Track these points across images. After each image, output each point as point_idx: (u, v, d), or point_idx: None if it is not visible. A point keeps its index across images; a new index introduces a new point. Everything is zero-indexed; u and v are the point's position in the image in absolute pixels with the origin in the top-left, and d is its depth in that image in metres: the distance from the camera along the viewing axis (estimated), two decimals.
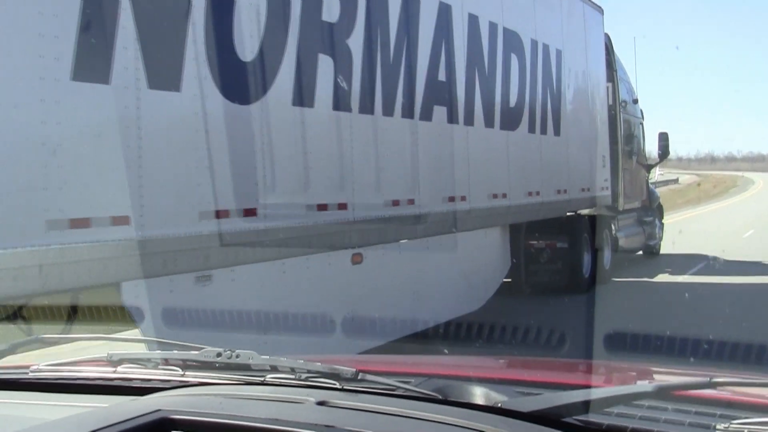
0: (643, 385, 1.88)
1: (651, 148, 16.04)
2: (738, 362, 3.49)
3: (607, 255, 12.68)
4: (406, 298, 7.09)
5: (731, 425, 1.66)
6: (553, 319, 8.69)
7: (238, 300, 5.22)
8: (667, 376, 2.53)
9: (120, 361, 2.16)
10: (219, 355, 2.04)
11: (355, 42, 6.28)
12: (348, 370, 1.90)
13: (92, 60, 4.19)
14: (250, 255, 5.24)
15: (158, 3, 4.56)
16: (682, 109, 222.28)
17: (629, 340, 4.15)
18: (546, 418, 1.69)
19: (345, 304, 6.08)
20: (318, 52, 5.88)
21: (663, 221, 16.58)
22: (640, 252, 15.46)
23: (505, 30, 9.01)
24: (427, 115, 7.43)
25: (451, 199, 7.76)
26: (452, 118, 7.89)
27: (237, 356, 2.03)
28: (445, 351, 5.04)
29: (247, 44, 5.11)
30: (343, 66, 6.12)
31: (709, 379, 1.83)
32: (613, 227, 13.29)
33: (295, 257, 5.65)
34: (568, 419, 1.69)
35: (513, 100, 9.33)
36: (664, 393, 1.85)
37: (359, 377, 1.89)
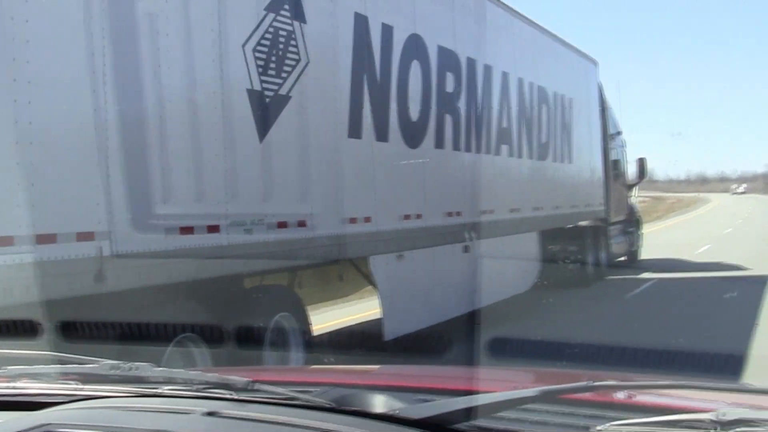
0: (529, 390, 1.90)
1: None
2: (637, 366, 4.35)
3: (604, 257, 16.69)
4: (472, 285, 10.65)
5: (610, 426, 1.73)
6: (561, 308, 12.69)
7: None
8: (553, 380, 2.63)
9: (17, 377, 2.22)
10: (116, 368, 2.12)
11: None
12: (240, 380, 1.97)
13: None
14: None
15: None
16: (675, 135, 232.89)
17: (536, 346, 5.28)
18: (437, 425, 1.75)
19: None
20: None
21: (642, 232, 20.81)
22: (624, 257, 19.53)
23: (538, 87, 12.97)
24: (497, 151, 11.32)
25: (514, 210, 11.69)
26: (512, 153, 11.81)
27: (133, 369, 2.11)
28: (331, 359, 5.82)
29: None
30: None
31: (590, 382, 2.00)
32: (607, 236, 17.33)
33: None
34: (458, 425, 1.76)
35: (543, 138, 13.27)
36: (549, 397, 1.95)
37: (252, 387, 1.95)
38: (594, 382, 2.05)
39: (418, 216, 8.91)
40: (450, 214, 9.74)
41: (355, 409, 1.90)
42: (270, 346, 6.55)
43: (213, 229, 5.89)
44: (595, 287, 15.09)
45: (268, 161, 6.56)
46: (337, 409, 1.88)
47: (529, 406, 1.91)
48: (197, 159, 5.89)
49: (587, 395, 2.03)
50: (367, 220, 7.93)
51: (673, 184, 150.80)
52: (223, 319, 6.03)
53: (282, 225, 6.64)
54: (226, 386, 1.99)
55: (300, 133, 6.97)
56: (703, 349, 6.13)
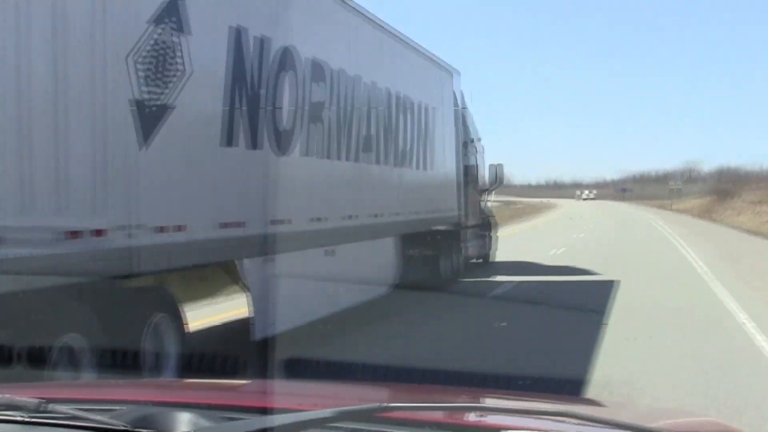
0: (326, 411, 1.95)
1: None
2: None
3: (458, 260, 17.65)
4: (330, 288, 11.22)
5: None
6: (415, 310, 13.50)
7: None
8: (352, 401, 2.60)
9: None
10: None
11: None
12: (31, 401, 1.90)
13: None
14: None
15: None
16: (537, 141, 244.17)
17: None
18: None
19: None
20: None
21: (495, 235, 22.02)
22: (479, 260, 20.63)
23: (400, 96, 13.69)
24: (360, 158, 11.94)
25: (376, 215, 12.35)
26: (374, 161, 12.47)
27: None
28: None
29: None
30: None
31: (382, 404, 2.08)
32: (461, 239, 18.30)
33: None
34: None
35: (403, 145, 14.00)
36: (344, 416, 1.99)
37: (45, 408, 1.88)
38: (386, 403, 2.14)
39: (288, 221, 9.40)
40: (315, 220, 10.29)
41: (154, 431, 1.88)
42: (147, 346, 6.92)
43: (100, 233, 6.22)
44: (449, 290, 15.95)
45: (149, 169, 6.91)
46: (126, 431, 1.85)
47: (327, 425, 1.98)
48: (80, 165, 6.20)
49: (386, 414, 2.09)
50: (239, 225, 8.37)
51: (529, 189, 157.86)
52: (105, 321, 6.36)
53: (162, 229, 7.01)
54: (16, 407, 1.92)
55: (180, 141, 7.35)
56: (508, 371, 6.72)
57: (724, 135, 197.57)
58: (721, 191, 68.40)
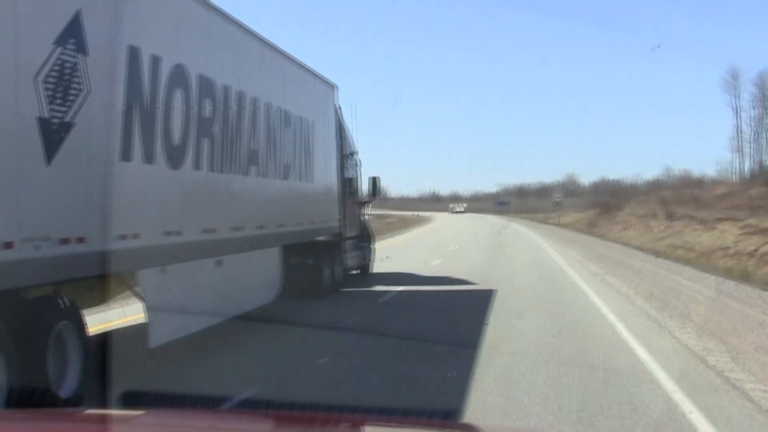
0: None
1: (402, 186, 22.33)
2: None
3: (339, 270, 18.33)
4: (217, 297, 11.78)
5: None
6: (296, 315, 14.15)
7: None
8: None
9: None
10: None
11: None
12: None
13: None
14: None
15: None
16: (417, 154, 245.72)
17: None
18: None
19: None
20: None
21: (374, 246, 22.83)
22: (358, 270, 21.36)
23: (284, 111, 14.30)
24: (247, 171, 12.47)
25: (261, 226, 12.90)
26: (259, 174, 13.02)
27: None
28: None
29: None
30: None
31: None
32: (342, 250, 19.00)
33: None
34: None
35: (287, 159, 14.59)
36: None
37: None
38: None
39: (179, 232, 9.87)
40: (206, 231, 10.78)
41: None
42: (53, 351, 7.30)
43: (8, 246, 6.59)
44: (329, 300, 16.61)
45: (53, 184, 7.30)
46: None
47: None
48: None
49: None
50: (136, 236, 8.80)
51: (408, 202, 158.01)
52: (13, 329, 6.73)
53: (65, 241, 7.40)
54: None
55: (81, 157, 7.75)
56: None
57: (600, 149, 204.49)
58: (605, 204, 66.80)
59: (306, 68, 16.25)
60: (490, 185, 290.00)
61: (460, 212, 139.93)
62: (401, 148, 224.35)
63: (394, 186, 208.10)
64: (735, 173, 72.69)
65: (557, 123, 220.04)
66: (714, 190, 52.69)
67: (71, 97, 7.57)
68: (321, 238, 17.51)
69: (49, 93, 7.22)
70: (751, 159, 72.32)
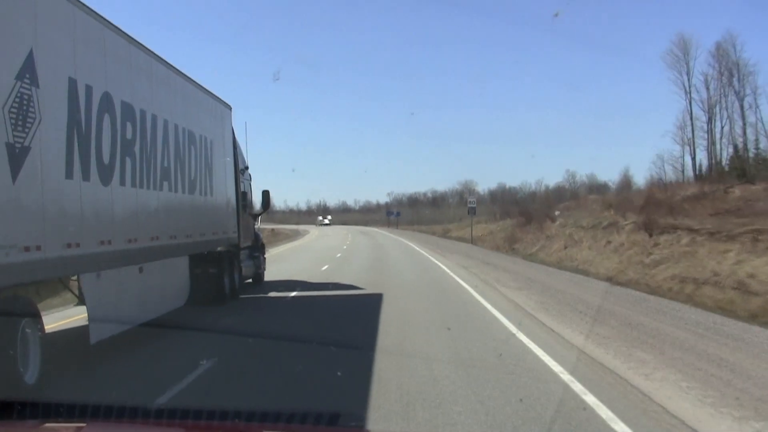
0: None
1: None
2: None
3: (237, 278, 19.73)
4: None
5: None
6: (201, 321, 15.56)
7: None
8: None
9: None
10: None
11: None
12: None
13: None
14: None
15: None
16: (306, 166, 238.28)
17: None
18: None
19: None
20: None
21: (265, 256, 24.30)
22: (251, 279, 22.78)
23: (188, 131, 15.68)
24: (160, 187, 13.81)
25: (173, 237, 14.25)
26: (171, 189, 14.37)
27: None
28: None
29: None
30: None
31: None
32: (240, 260, 20.41)
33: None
34: None
35: (192, 175, 15.97)
36: None
37: None
38: None
39: (110, 242, 11.18)
40: (130, 241, 12.10)
41: None
42: (20, 344, 8.57)
43: None
44: (229, 306, 18.01)
45: (18, 199, 8.60)
46: None
47: None
48: None
49: None
50: (78, 245, 10.09)
51: (291, 215, 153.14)
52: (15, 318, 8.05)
53: (27, 249, 8.69)
54: None
55: (37, 176, 9.04)
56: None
57: (496, 155, 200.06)
58: (527, 213, 52.97)
59: (206, 91, 17.65)
60: (381, 195, 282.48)
61: (327, 224, 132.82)
62: (291, 159, 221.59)
63: (281, 199, 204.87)
64: (684, 170, 60.98)
65: (450, 129, 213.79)
66: (680, 192, 42.87)
67: (29, 124, 8.87)
68: (221, 248, 18.88)
69: (13, 121, 8.51)
70: (709, 151, 59.57)
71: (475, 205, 62.06)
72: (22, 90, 8.74)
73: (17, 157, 8.60)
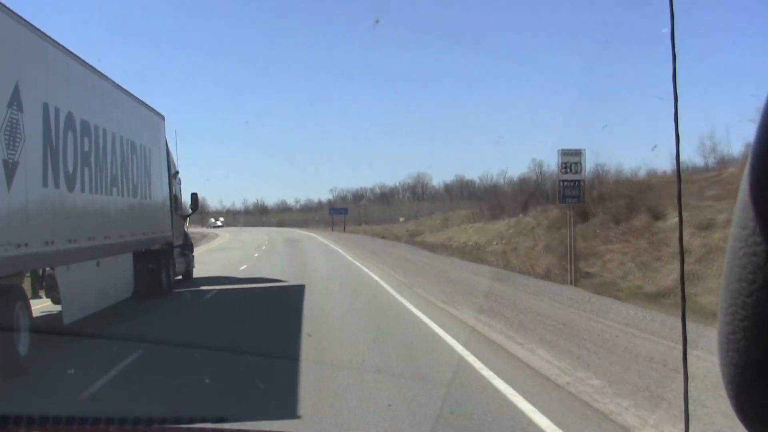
0: None
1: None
2: None
3: (172, 274, 21.80)
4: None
5: None
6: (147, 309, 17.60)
7: None
8: None
9: None
10: None
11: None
12: None
13: None
14: None
15: None
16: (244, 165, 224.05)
17: None
18: None
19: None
20: None
21: (193, 254, 26.38)
22: (181, 275, 24.81)
23: (131, 141, 17.73)
24: (111, 192, 15.87)
25: (121, 235, 16.32)
26: (119, 193, 16.44)
27: None
28: None
29: None
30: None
31: None
32: (173, 257, 22.47)
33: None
34: None
35: (135, 180, 18.02)
36: None
37: None
38: None
39: (75, 240, 13.23)
40: (90, 239, 14.16)
41: None
42: (15, 322, 10.67)
43: None
44: (167, 298, 20.12)
45: (12, 205, 10.66)
46: None
47: None
48: None
49: None
50: (53, 242, 12.15)
51: (226, 215, 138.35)
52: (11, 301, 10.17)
53: (18, 245, 10.76)
54: None
55: (23, 185, 11.10)
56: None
57: (448, 147, 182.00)
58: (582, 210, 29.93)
59: (144, 104, 19.69)
60: (323, 192, 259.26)
61: (219, 226, 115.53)
62: (225, 158, 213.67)
63: (216, 198, 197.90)
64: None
65: (396, 121, 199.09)
66: None
67: (17, 143, 10.92)
68: (158, 246, 20.91)
69: (7, 141, 10.57)
70: None
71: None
72: (11, 115, 10.80)
73: (10, 170, 10.67)
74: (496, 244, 39.81)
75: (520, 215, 45.94)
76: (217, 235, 77.88)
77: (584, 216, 30.63)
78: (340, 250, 44.16)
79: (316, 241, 60.56)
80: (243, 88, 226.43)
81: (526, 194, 58.16)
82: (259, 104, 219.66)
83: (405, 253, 40.63)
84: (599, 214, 31.58)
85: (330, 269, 29.87)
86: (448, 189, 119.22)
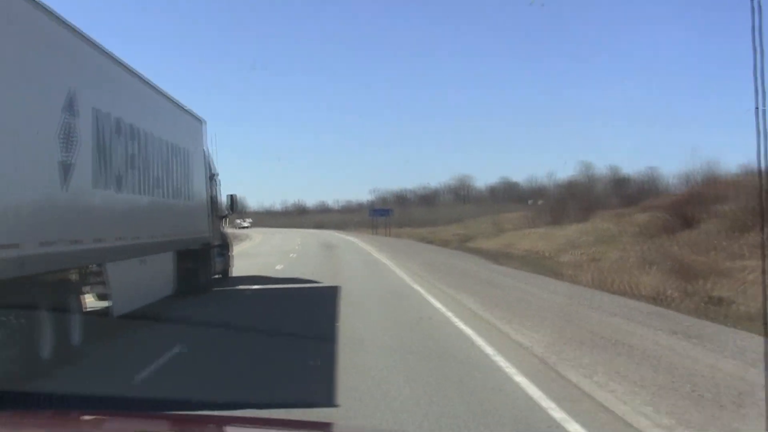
0: None
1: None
2: None
3: (210, 273, 22.57)
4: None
5: None
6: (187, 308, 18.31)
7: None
8: None
9: None
10: None
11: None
12: None
13: None
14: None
15: None
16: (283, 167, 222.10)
17: None
18: None
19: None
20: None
21: (232, 254, 27.14)
22: (220, 275, 25.58)
23: (174, 145, 18.50)
24: (155, 193, 16.63)
25: (166, 234, 17.08)
26: (162, 195, 17.20)
27: None
28: None
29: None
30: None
31: None
32: (211, 257, 23.24)
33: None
34: None
35: (176, 183, 18.79)
36: None
37: None
38: None
39: (123, 238, 13.99)
40: (135, 238, 14.92)
41: None
42: (70, 313, 11.42)
43: (46, 244, 10.69)
44: (208, 295, 20.90)
45: (68, 203, 11.42)
46: None
47: None
48: (34, 204, 10.65)
49: None
50: (105, 240, 12.91)
51: (263, 216, 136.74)
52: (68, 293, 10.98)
53: (73, 242, 11.52)
54: None
55: (78, 185, 11.86)
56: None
57: (495, 147, 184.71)
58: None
59: (185, 109, 20.49)
60: (363, 193, 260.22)
61: (246, 227, 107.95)
62: (265, 160, 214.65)
63: (255, 199, 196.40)
64: None
65: (438, 122, 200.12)
66: None
67: (73, 146, 11.66)
68: (196, 246, 21.67)
69: (63, 144, 11.31)
70: None
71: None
72: (66, 120, 11.52)
73: (68, 171, 11.40)
74: (570, 253, 34.30)
75: (589, 220, 41.98)
76: (248, 237, 75.13)
77: (686, 221, 25.89)
78: (387, 263, 34.42)
79: (356, 247, 52.52)
80: (283, 92, 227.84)
81: (589, 198, 54.88)
82: (302, 107, 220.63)
83: (468, 266, 32.01)
84: (708, 219, 26.23)
85: (382, 301, 19.24)
86: (493, 191, 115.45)
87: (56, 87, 11.39)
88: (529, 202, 69.87)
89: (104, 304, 13.94)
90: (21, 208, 10.15)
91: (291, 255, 41.22)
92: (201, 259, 21.41)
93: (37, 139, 10.62)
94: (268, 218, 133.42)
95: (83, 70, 12.53)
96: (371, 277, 27.01)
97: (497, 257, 38.25)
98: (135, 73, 15.58)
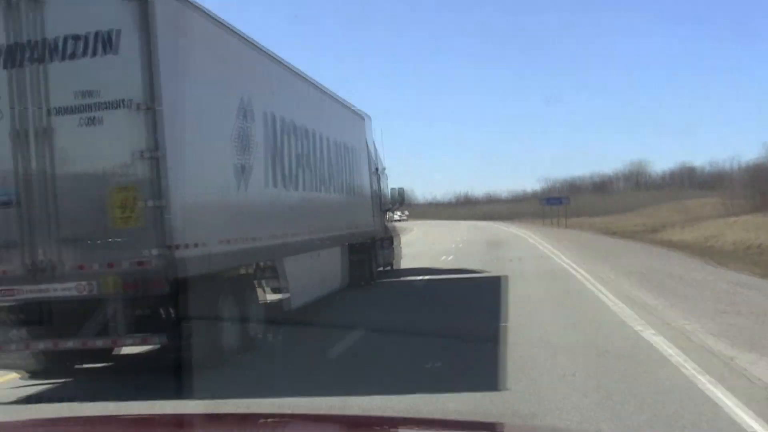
0: None
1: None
2: None
3: (375, 266, 23.22)
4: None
5: None
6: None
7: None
8: None
9: None
10: None
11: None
12: None
13: None
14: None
15: None
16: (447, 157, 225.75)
17: None
18: None
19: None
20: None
21: (399, 246, 27.77)
22: (387, 267, 26.23)
23: (340, 143, 19.16)
24: (324, 190, 17.31)
25: (336, 228, 17.77)
26: (331, 191, 17.89)
27: None
28: None
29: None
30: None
31: None
32: (377, 249, 23.89)
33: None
34: None
35: (344, 179, 19.46)
36: None
37: None
38: None
39: (296, 234, 14.69)
40: (310, 233, 15.61)
41: None
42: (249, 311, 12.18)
43: (226, 242, 11.44)
44: (377, 286, 21.55)
45: (246, 203, 12.16)
46: None
47: None
48: (218, 204, 11.39)
49: None
50: (280, 236, 13.63)
51: (432, 208, 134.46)
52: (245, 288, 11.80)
53: (252, 239, 12.25)
54: None
55: (255, 186, 12.58)
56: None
57: (671, 129, 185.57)
58: None
59: (349, 107, 21.20)
60: (531, 182, 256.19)
61: (398, 220, 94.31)
62: (433, 151, 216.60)
63: (423, 191, 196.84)
64: None
65: (612, 108, 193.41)
66: None
67: (248, 149, 12.37)
68: (363, 240, 22.37)
69: (238, 147, 12.02)
70: None
71: None
72: (240, 124, 12.22)
73: (245, 173, 12.13)
74: None
75: None
76: (404, 229, 61.70)
77: None
78: (580, 274, 22.53)
79: (530, 245, 41.74)
80: (451, 90, 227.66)
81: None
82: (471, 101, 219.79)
83: (697, 274, 21.48)
84: None
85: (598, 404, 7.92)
86: (673, 177, 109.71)
87: (232, 94, 12.13)
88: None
89: (278, 296, 14.71)
90: (206, 208, 10.92)
91: (443, 257, 33.74)
92: (367, 252, 22.08)
93: (217, 143, 11.37)
94: (431, 210, 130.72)
95: (255, 75, 13.26)
96: (563, 314, 14.85)
97: (710, 255, 29.11)
98: (302, 76, 16.28)
